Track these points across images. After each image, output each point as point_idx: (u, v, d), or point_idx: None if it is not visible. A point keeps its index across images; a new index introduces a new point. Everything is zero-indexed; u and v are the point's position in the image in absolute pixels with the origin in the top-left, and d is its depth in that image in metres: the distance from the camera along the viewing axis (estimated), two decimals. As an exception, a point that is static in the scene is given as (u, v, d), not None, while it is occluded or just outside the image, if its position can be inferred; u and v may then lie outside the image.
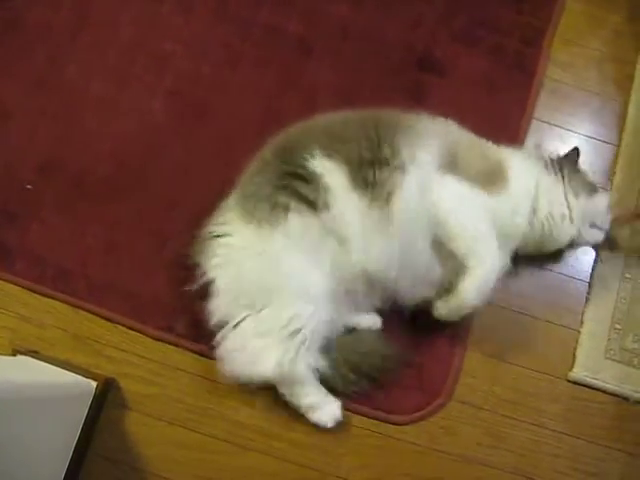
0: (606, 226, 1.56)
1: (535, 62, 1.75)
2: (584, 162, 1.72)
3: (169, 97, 1.68)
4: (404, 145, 1.38)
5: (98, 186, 1.62)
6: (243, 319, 1.40)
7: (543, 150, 1.61)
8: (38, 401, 1.32)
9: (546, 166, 1.51)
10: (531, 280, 1.64)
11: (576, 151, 1.56)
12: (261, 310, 1.39)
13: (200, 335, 1.50)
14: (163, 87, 1.68)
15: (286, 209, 1.36)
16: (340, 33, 1.74)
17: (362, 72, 1.71)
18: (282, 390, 1.44)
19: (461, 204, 1.39)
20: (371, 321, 1.53)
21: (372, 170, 1.36)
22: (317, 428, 1.48)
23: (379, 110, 1.45)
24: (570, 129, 1.75)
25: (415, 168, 1.37)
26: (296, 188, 1.37)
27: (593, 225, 1.54)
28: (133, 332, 1.54)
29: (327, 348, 1.44)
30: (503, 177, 1.43)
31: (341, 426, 1.49)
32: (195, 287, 1.44)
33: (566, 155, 1.55)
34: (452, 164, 1.39)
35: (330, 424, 1.46)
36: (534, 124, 1.73)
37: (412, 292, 1.46)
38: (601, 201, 1.54)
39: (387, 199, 1.36)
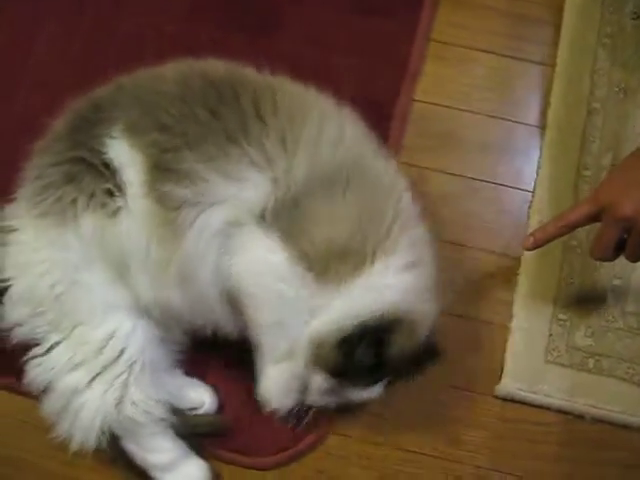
0: None
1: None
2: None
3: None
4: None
5: None
6: (54, 346, 1.06)
7: None
8: None
9: None
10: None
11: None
12: (73, 330, 1.04)
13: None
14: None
15: (74, 204, 1.01)
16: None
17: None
18: (127, 445, 1.08)
19: None
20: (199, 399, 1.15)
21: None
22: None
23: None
24: (481, 48, 1.27)
25: None
26: (85, 179, 1.00)
27: None
28: None
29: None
30: None
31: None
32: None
33: None
34: None
35: None
36: (433, 47, 1.27)
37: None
38: None
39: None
